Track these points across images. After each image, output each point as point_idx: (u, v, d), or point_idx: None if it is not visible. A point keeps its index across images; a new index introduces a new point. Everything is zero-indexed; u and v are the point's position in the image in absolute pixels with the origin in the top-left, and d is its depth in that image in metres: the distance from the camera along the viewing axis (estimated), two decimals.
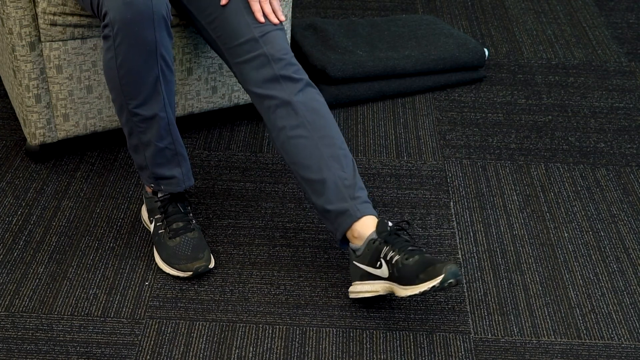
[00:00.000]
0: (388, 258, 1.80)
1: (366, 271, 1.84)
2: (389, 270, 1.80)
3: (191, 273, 1.94)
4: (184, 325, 1.85)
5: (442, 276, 1.72)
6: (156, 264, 2.00)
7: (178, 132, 1.94)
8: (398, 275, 1.77)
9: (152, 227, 2.02)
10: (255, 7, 1.93)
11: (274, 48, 1.91)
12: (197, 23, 2.05)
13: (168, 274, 1.97)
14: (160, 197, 2.00)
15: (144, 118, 1.88)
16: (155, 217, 2.01)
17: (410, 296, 1.82)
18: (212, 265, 1.97)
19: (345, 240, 1.90)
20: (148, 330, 1.84)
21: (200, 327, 1.85)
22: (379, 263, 1.81)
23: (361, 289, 1.87)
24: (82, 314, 1.87)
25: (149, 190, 2.03)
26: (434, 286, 1.73)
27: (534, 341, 1.85)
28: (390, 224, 1.85)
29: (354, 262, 1.87)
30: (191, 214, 2.02)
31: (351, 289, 1.89)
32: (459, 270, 1.73)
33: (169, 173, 1.96)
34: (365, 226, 1.85)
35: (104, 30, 1.80)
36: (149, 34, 1.78)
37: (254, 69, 1.92)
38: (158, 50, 1.81)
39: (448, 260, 1.83)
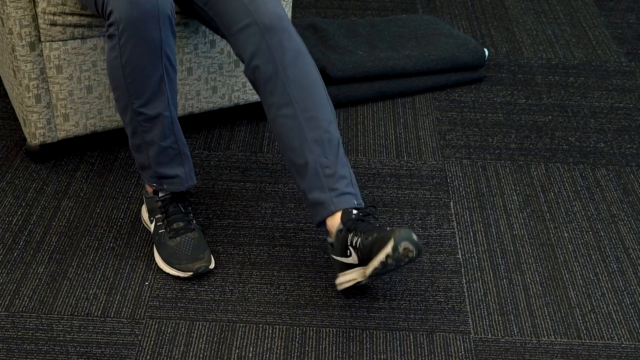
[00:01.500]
0: (354, 244, 1.81)
1: (341, 262, 1.87)
2: (357, 256, 1.82)
3: (191, 273, 1.94)
4: (184, 325, 1.85)
5: (392, 241, 1.72)
6: (156, 264, 2.00)
7: (181, 131, 1.94)
8: (362, 258, 1.79)
9: (152, 227, 2.02)
10: None
11: (264, 14, 1.88)
12: (194, 5, 2.05)
13: (168, 274, 1.97)
14: (161, 196, 1.99)
15: (148, 117, 1.88)
16: (156, 217, 2.01)
17: (374, 275, 1.81)
18: (212, 265, 1.97)
19: (324, 224, 1.93)
20: (148, 330, 1.84)
21: (200, 327, 1.85)
22: (348, 252, 1.84)
23: (343, 280, 1.89)
24: (82, 314, 1.87)
25: (149, 190, 2.03)
26: (388, 254, 1.73)
27: (534, 341, 1.85)
28: (355, 211, 1.86)
29: (332, 255, 1.90)
30: (191, 214, 2.02)
31: (336, 281, 1.91)
32: (412, 234, 1.72)
33: (171, 172, 1.95)
34: (337, 220, 1.87)
35: (109, 29, 1.80)
36: (155, 33, 1.78)
37: (246, 38, 1.90)
38: (163, 49, 1.81)
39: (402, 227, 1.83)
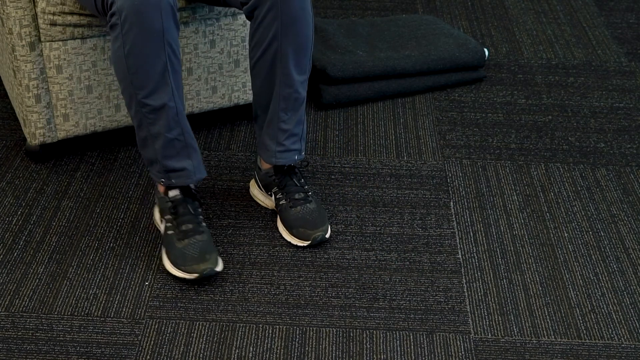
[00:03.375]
0: (277, 196, 2.12)
1: (258, 189, 2.21)
2: (274, 204, 2.14)
3: (197, 275, 1.91)
4: (184, 325, 1.85)
5: (309, 240, 2.05)
6: (162, 265, 1.99)
7: (188, 123, 1.95)
8: (281, 217, 2.11)
9: (162, 227, 2.02)
10: None
11: None
12: None
13: (170, 275, 1.97)
14: (172, 197, 1.99)
15: (153, 108, 1.88)
16: (166, 217, 1.99)
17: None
18: (219, 268, 1.94)
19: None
20: (148, 330, 1.84)
21: (200, 327, 1.85)
22: (269, 193, 2.16)
23: (256, 194, 2.21)
24: (82, 314, 1.87)
25: (161, 189, 2.02)
26: (302, 242, 2.05)
27: (534, 341, 1.85)
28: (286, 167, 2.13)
29: (256, 176, 2.19)
30: (202, 216, 2.01)
31: (251, 189, 2.22)
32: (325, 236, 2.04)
33: (179, 165, 1.95)
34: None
35: (111, 19, 1.81)
36: (157, 22, 1.79)
37: None
38: (165, 38, 1.81)
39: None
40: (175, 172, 1.96)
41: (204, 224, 1.99)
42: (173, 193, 1.99)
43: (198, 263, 1.92)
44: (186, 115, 2.38)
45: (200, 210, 2.02)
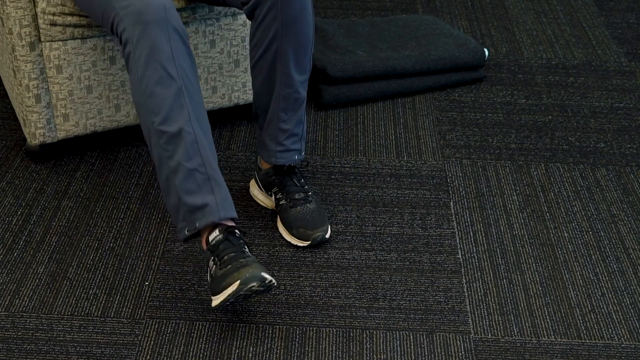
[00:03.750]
0: (274, 190, 2.13)
1: (259, 189, 2.20)
2: (273, 202, 2.14)
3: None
4: (184, 325, 1.85)
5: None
6: (212, 301, 1.82)
7: (213, 158, 1.82)
8: (277, 209, 2.12)
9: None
10: None
11: None
12: None
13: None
14: (212, 241, 1.82)
15: (170, 136, 1.78)
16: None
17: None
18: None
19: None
20: (148, 330, 1.84)
21: (200, 327, 1.85)
22: (269, 193, 2.16)
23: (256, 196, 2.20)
24: (82, 314, 1.87)
25: (203, 243, 1.85)
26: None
27: (534, 341, 1.85)
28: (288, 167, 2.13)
29: (256, 175, 2.19)
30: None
31: (251, 189, 2.22)
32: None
33: (200, 201, 1.78)
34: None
35: (124, 50, 1.82)
36: (165, 45, 1.79)
37: None
38: (176, 61, 1.80)
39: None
40: (198, 211, 1.79)
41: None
42: (213, 236, 1.81)
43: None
44: None
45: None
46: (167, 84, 1.79)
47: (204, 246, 1.84)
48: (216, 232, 1.80)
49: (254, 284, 1.72)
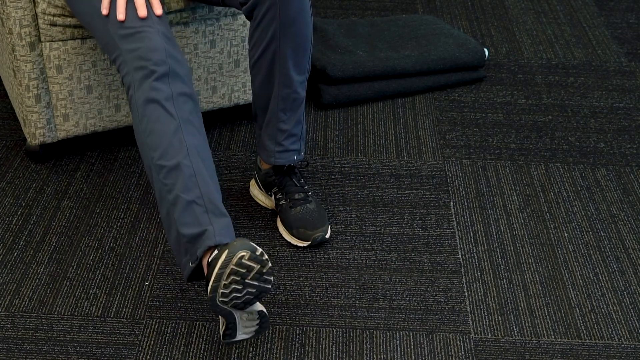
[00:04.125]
0: (276, 196, 2.15)
1: (260, 198, 2.22)
2: (274, 203, 2.15)
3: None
4: (184, 325, 1.85)
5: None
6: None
7: (215, 193, 1.75)
8: (281, 216, 2.13)
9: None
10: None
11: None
12: None
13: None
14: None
15: (168, 169, 1.74)
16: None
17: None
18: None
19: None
20: (148, 330, 1.84)
21: (200, 327, 1.85)
22: (270, 196, 2.18)
23: (256, 194, 2.23)
24: (82, 314, 1.87)
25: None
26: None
27: (534, 341, 1.85)
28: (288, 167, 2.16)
29: (256, 176, 2.20)
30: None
31: (251, 189, 2.24)
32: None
33: (198, 229, 1.70)
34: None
35: (127, 94, 1.82)
36: (165, 87, 1.78)
37: None
38: (175, 101, 1.78)
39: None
40: (198, 239, 1.70)
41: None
42: (212, 255, 1.67)
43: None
44: None
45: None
46: (165, 122, 1.76)
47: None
48: (215, 251, 1.66)
49: (243, 252, 1.60)
